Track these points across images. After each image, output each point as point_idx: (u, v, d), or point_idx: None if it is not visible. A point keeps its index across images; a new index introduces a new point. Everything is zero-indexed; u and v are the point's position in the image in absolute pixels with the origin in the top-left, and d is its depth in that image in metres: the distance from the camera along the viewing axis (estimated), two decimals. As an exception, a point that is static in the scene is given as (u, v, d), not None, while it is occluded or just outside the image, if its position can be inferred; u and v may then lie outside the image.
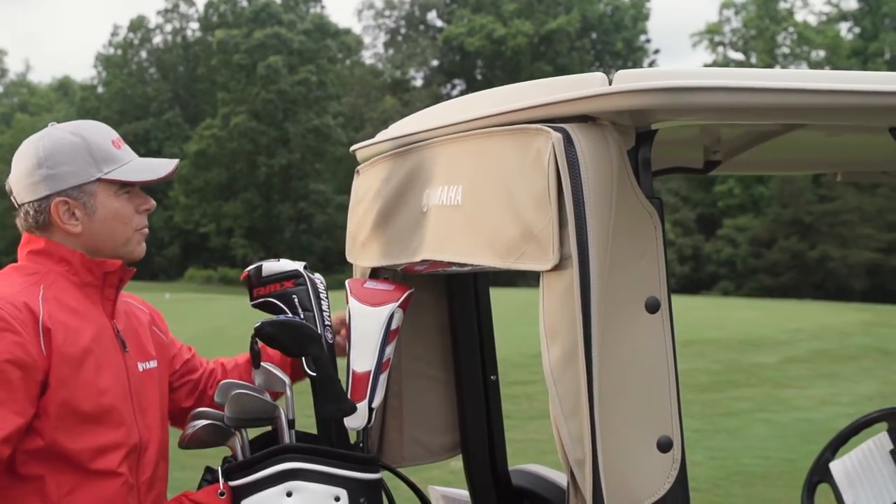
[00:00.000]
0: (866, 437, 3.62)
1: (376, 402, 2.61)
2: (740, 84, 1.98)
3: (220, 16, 62.85)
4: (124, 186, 2.51)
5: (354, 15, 61.63)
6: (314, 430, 2.63)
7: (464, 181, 2.35)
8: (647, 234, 2.13)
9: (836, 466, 3.38)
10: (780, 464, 9.07)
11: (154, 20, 71.04)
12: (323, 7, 63.92)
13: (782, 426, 10.57)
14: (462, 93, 58.27)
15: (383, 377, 2.63)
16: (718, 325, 19.71)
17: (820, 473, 3.42)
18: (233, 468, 2.48)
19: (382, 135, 2.94)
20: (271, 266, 2.72)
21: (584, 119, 2.08)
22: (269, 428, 2.61)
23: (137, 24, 65.79)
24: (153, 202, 2.58)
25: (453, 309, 3.03)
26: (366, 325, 2.64)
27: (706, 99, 1.98)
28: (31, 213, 2.46)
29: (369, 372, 2.61)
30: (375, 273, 2.87)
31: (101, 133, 2.54)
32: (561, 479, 3.04)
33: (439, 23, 62.56)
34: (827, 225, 45.51)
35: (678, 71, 2.01)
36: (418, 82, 61.86)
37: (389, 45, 64.27)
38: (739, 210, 48.69)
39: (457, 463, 3.18)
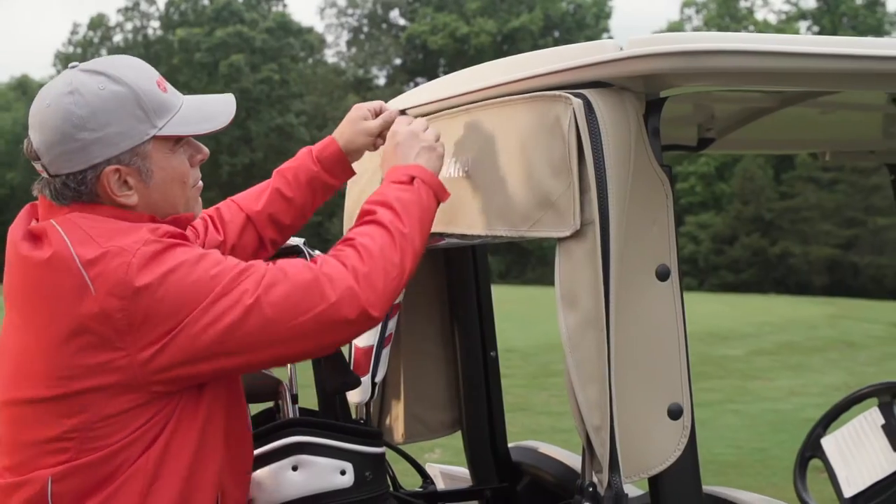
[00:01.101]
0: (856, 414, 3.64)
1: (379, 377, 2.61)
2: (758, 48, 1.98)
3: (182, 14, 62.38)
4: (180, 139, 2.11)
5: (317, 13, 61.52)
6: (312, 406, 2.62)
7: (471, 153, 2.34)
8: (659, 201, 2.13)
9: (827, 442, 3.41)
10: (752, 453, 9.16)
11: (114, 18, 70.41)
12: (285, 5, 63.55)
13: (752, 416, 10.66)
14: (425, 91, 58.63)
15: (386, 351, 2.62)
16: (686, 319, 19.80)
17: (812, 449, 3.45)
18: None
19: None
20: None
21: (599, 85, 2.08)
22: (270, 404, 2.59)
23: (97, 23, 65.18)
24: (206, 150, 2.20)
25: (452, 284, 3.02)
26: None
27: (723, 63, 1.98)
28: (72, 185, 2.02)
29: (372, 346, 2.60)
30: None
31: (145, 74, 2.08)
32: (561, 455, 3.05)
33: (402, 21, 62.56)
34: (788, 221, 45.98)
35: (692, 35, 2.01)
36: (381, 81, 61.73)
37: (352, 44, 64.15)
38: (701, 207, 49.04)
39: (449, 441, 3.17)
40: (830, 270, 44.86)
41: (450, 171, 2.41)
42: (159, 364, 1.95)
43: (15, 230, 2.08)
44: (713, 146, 3.22)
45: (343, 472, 2.42)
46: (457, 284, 3.03)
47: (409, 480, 3.04)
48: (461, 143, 2.39)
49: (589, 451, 2.06)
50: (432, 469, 3.08)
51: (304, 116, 57.37)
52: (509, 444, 3.16)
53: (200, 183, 2.21)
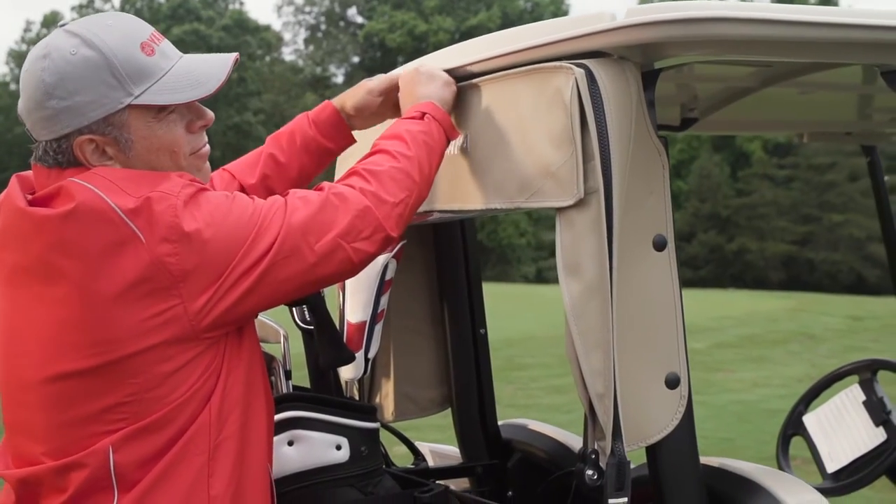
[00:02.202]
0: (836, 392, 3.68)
1: (372, 353, 2.60)
2: (760, 16, 1.99)
3: (137, 12, 61.81)
4: (165, 107, 1.99)
5: (274, 11, 61.19)
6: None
7: (470, 129, 2.33)
8: (656, 171, 2.15)
9: (809, 419, 3.45)
10: (719, 443, 9.23)
11: (69, 16, 69.70)
12: (242, 3, 63.28)
13: (717, 408, 10.75)
14: (384, 89, 58.50)
15: (378, 327, 2.62)
16: (646, 314, 19.94)
17: (794, 426, 3.49)
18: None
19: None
20: None
21: (597, 55, 2.09)
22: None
23: (51, 20, 64.44)
24: (211, 115, 2.08)
25: (441, 260, 3.02)
26: (360, 275, 2.61)
27: (723, 30, 1.99)
28: (51, 153, 1.96)
29: (365, 322, 2.59)
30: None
31: (129, 37, 1.96)
32: (551, 431, 3.06)
33: (360, 19, 62.42)
34: (744, 218, 46.38)
35: (691, 3, 2.02)
36: (339, 79, 61.54)
37: (310, 42, 63.94)
38: (659, 204, 49.29)
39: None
40: (786, 266, 45.32)
41: (454, 145, 2.39)
42: (214, 309, 1.91)
43: (11, 199, 1.97)
44: (696, 126, 3.24)
45: (339, 447, 2.42)
46: (446, 261, 3.03)
47: (400, 460, 3.04)
48: (458, 119, 2.39)
49: (591, 418, 2.07)
50: (422, 447, 3.08)
51: (262, 115, 57.04)
52: (499, 422, 3.17)
53: (207, 148, 2.11)
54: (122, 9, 62.40)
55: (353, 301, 2.60)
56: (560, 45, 2.12)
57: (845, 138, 3.69)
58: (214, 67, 2.05)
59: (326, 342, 2.52)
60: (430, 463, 3.07)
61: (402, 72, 2.42)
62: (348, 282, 2.62)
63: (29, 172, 2.05)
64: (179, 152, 2.03)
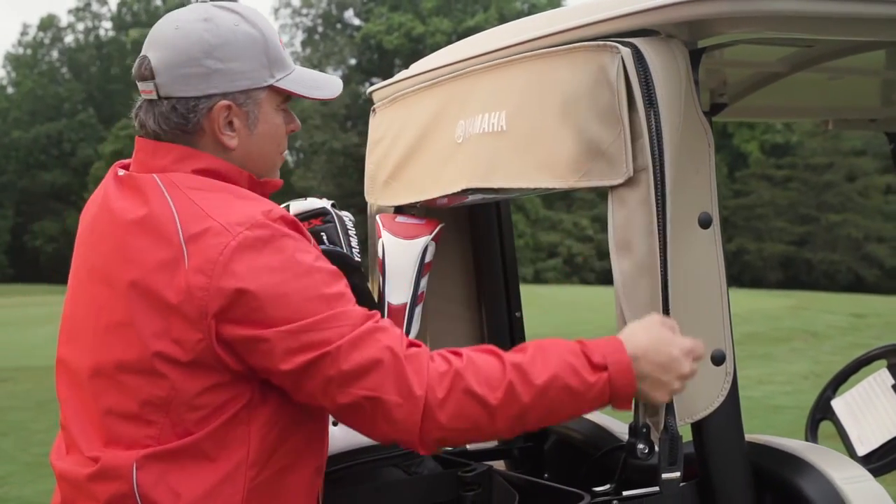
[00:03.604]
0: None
1: (412, 335, 2.60)
2: None
3: (134, 15, 61.90)
4: (287, 100, 2.08)
5: (271, 13, 61.03)
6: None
7: (507, 107, 2.34)
8: (702, 150, 2.17)
9: (837, 404, 3.45)
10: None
11: (65, 19, 69.88)
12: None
13: (723, 404, 10.77)
14: (381, 91, 58.46)
15: (419, 310, 2.62)
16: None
17: (822, 411, 3.50)
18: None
19: (401, 74, 2.93)
20: (299, 205, 2.68)
21: (645, 34, 2.10)
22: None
23: (48, 23, 64.46)
24: (299, 123, 2.15)
25: (476, 243, 3.02)
26: (400, 258, 2.63)
27: (775, 6, 2.01)
28: (180, 110, 1.98)
29: (405, 304, 2.59)
30: (398, 211, 2.86)
31: (272, 27, 2.07)
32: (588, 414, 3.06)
33: (357, 21, 62.41)
34: (742, 219, 46.44)
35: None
36: (336, 81, 61.61)
37: (307, 44, 63.89)
38: (658, 205, 49.33)
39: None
40: (784, 266, 45.40)
41: (481, 126, 2.41)
42: (232, 357, 1.87)
43: (104, 191, 2.06)
44: (725, 112, 3.25)
45: None
46: (482, 245, 3.03)
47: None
48: (493, 98, 2.39)
49: None
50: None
51: (260, 117, 57.05)
52: None
53: (286, 153, 2.17)
54: (119, 11, 62.41)
55: (394, 283, 2.61)
56: (608, 23, 2.14)
57: (870, 125, 3.70)
58: (328, 80, 2.16)
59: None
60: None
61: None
62: (388, 264, 2.62)
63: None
64: (281, 145, 2.11)
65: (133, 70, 2.03)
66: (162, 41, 2.00)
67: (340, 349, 1.83)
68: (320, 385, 1.85)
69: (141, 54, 2.02)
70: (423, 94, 2.71)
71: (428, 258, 2.65)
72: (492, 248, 3.05)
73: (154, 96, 1.99)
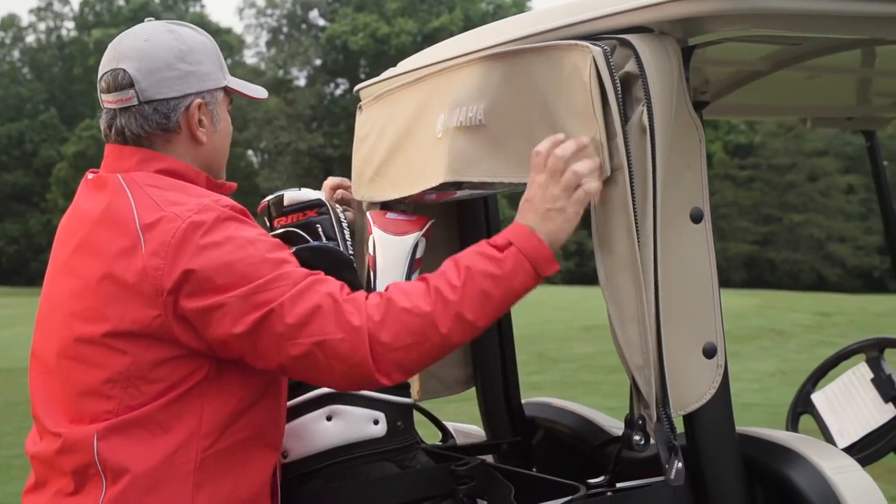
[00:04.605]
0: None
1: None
2: None
3: (97, 15, 61.40)
4: (231, 101, 2.34)
5: (235, 14, 60.86)
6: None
7: (485, 101, 2.35)
8: (693, 145, 2.20)
9: (817, 398, 3.51)
10: (697, 435, 9.29)
11: (26, 18, 69.20)
12: (203, 6, 63.03)
13: (693, 402, 10.83)
14: (346, 92, 57.99)
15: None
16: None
17: (802, 405, 3.55)
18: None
19: (388, 73, 2.94)
20: (293, 195, 2.68)
21: (639, 31, 2.12)
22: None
23: (8, 23, 63.84)
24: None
25: (465, 238, 3.04)
26: (391, 253, 2.63)
27: (769, 4, 2.03)
28: (162, 111, 2.18)
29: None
30: (387, 207, 2.86)
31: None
32: (574, 408, 3.10)
33: (322, 21, 62.24)
34: (706, 219, 46.71)
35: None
36: (301, 82, 61.33)
37: (272, 45, 63.64)
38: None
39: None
40: (748, 266, 45.73)
41: (459, 120, 2.42)
42: (189, 332, 2.04)
43: (76, 197, 2.25)
44: (707, 110, 3.28)
45: (376, 422, 2.44)
46: (470, 240, 3.04)
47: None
48: (472, 92, 2.40)
49: (635, 387, 2.11)
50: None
51: (224, 117, 56.77)
52: (522, 401, 3.20)
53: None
54: (81, 11, 61.90)
55: (384, 279, 2.61)
56: (603, 20, 2.16)
57: (846, 123, 3.76)
58: (254, 87, 2.40)
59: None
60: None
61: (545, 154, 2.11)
62: (379, 259, 2.63)
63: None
64: (228, 143, 2.35)
65: (105, 83, 2.20)
66: (135, 53, 2.19)
67: (284, 305, 1.99)
68: (273, 343, 2.00)
69: (111, 68, 2.19)
70: (406, 90, 2.72)
71: (419, 254, 2.66)
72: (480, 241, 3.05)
73: (134, 102, 2.18)
